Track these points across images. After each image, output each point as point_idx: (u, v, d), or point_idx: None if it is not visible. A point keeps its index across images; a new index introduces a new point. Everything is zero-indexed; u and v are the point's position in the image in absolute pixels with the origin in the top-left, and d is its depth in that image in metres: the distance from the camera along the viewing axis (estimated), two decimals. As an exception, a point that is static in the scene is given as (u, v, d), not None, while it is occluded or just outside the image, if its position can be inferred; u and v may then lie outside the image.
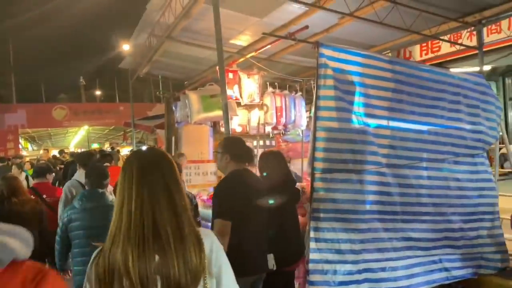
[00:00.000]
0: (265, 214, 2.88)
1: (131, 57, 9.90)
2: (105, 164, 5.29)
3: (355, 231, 2.95)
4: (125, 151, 19.87)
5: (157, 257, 1.30)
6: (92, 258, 1.39)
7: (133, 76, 10.94)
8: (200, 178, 7.11)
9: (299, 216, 3.65)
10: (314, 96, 2.95)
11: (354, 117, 3.02)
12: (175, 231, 1.33)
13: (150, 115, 15.94)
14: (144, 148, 2.47)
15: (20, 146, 23.75)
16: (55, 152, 18.44)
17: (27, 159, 14.70)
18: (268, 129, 7.05)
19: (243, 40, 6.71)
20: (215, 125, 7.20)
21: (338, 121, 2.96)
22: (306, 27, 4.63)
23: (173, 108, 7.44)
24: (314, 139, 2.92)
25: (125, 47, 10.27)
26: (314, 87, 6.30)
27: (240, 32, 6.32)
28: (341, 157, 2.94)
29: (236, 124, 7.40)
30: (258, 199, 2.75)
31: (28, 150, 26.76)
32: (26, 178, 7.81)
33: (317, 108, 2.92)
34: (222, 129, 7.27)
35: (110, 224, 1.39)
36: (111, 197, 3.35)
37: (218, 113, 5.56)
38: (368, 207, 3.00)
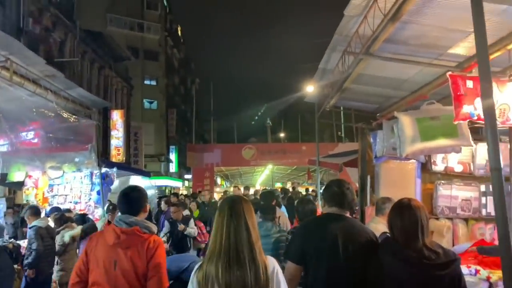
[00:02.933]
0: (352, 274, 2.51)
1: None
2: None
3: None
4: (302, 190, 19.40)
5: (237, 272, 2.01)
6: (195, 268, 2.17)
7: (320, 109, 10.20)
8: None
9: None
10: None
11: None
12: (250, 255, 2.05)
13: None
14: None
15: (218, 183, 26.38)
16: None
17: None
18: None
19: (467, 47, 4.95)
20: (426, 161, 5.45)
21: None
22: None
23: (371, 140, 6.10)
24: None
25: (309, 88, 9.87)
26: None
27: (466, 35, 4.63)
28: None
29: (455, 161, 5.56)
30: (342, 251, 2.52)
31: (222, 187, 29.61)
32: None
33: None
34: (435, 167, 5.57)
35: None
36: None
37: (443, 141, 3.91)
38: None
